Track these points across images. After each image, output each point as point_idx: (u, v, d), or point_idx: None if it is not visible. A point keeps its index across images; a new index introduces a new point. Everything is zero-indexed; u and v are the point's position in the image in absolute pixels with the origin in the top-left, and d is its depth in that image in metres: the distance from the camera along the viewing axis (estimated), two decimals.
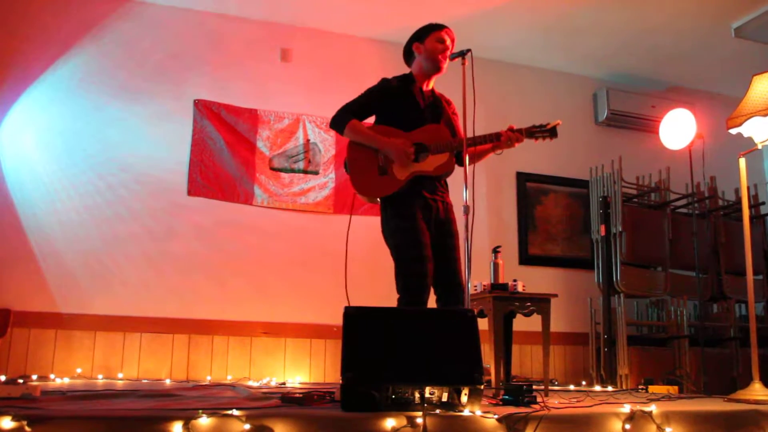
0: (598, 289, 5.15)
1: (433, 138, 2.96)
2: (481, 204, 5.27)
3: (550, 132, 2.95)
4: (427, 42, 3.07)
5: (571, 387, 4.45)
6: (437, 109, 3.11)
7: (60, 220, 4.39)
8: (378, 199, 3.02)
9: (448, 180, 3.10)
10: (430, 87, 3.15)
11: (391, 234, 2.96)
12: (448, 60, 3.05)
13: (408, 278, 2.86)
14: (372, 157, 2.97)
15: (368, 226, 4.99)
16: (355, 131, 2.99)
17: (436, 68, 3.07)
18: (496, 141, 2.95)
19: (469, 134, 2.88)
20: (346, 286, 3.01)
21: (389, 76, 3.17)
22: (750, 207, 5.38)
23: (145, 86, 4.73)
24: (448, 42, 3.06)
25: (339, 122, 3.02)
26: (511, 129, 2.95)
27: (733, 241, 5.43)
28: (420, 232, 2.88)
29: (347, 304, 2.18)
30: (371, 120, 3.12)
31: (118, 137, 4.61)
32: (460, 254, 2.96)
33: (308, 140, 5.02)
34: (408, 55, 3.17)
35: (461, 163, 2.91)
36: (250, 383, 4.04)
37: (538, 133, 2.96)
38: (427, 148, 2.96)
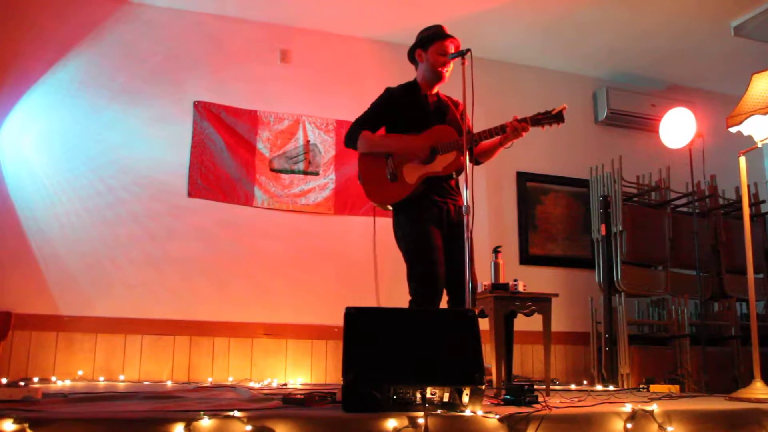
0: (598, 289, 5.15)
1: (441, 138, 2.97)
2: (481, 204, 5.26)
3: (556, 117, 2.90)
4: (429, 52, 3.07)
5: (573, 386, 4.44)
6: (442, 111, 3.11)
7: (60, 223, 4.39)
8: (389, 206, 3.03)
9: None
10: (435, 92, 3.16)
11: (402, 238, 2.99)
12: (451, 67, 3.06)
13: (420, 281, 2.88)
14: (381, 165, 2.99)
15: (369, 226, 5.02)
16: (368, 142, 3.01)
17: (438, 78, 3.09)
18: (502, 133, 2.93)
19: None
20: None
21: (388, 76, 3.17)
22: (750, 205, 5.38)
23: (144, 88, 4.73)
24: (452, 51, 3.05)
25: (351, 137, 3.05)
26: (516, 119, 2.92)
27: (733, 239, 5.43)
28: (431, 236, 2.90)
29: (353, 305, 2.17)
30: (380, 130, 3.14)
31: (117, 139, 4.61)
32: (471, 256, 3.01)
33: (308, 141, 5.02)
34: (412, 59, 3.19)
35: (474, 161, 2.92)
36: (252, 384, 4.04)
37: (543, 120, 2.92)
38: (436, 149, 2.97)
